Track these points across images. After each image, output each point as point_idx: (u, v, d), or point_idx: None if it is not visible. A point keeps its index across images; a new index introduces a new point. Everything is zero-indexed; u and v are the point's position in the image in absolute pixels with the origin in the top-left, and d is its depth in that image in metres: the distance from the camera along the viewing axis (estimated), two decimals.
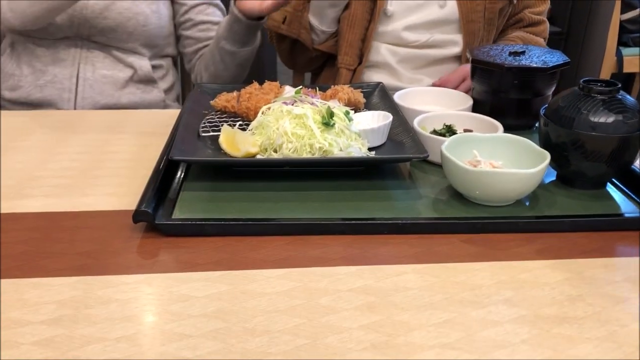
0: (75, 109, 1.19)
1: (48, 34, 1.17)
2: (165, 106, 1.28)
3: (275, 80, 0.98)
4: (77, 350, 0.51)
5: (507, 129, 0.87)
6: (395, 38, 1.24)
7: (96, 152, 0.90)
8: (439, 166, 0.83)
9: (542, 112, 0.81)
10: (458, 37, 1.25)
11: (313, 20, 1.23)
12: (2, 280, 0.60)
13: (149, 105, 1.24)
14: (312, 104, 0.80)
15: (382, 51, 1.26)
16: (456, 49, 1.27)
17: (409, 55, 1.26)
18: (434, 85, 1.19)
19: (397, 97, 0.99)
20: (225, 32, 1.16)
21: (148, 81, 1.24)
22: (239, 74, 1.23)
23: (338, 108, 0.81)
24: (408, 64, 1.28)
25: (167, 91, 1.30)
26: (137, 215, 0.68)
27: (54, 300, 0.57)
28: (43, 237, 0.67)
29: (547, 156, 0.74)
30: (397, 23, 1.22)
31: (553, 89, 0.98)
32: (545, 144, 0.79)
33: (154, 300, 0.58)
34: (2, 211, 0.73)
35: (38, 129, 0.99)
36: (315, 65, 1.37)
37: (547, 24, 1.36)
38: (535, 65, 0.93)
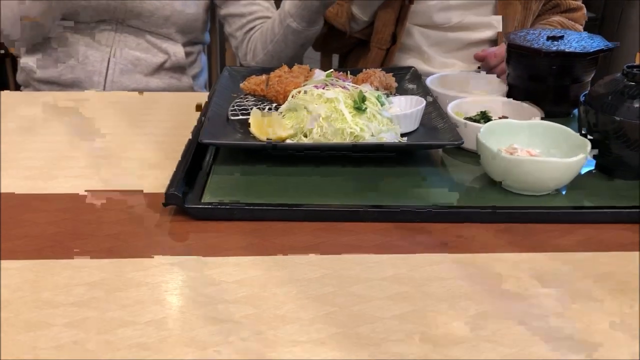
0: (104, 91, 1.19)
1: (84, 17, 1.17)
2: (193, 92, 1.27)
3: (300, 64, 0.96)
4: (108, 333, 0.50)
5: (544, 115, 0.84)
6: (428, 19, 1.21)
7: (125, 134, 0.90)
8: (472, 153, 0.81)
9: (582, 99, 0.78)
10: (493, 20, 1.22)
11: (356, 10, 1.21)
12: (35, 261, 0.59)
13: (176, 91, 1.24)
14: (344, 87, 0.79)
15: (414, 34, 1.23)
16: (490, 33, 1.23)
17: (441, 38, 1.23)
18: (477, 55, 1.16)
19: (430, 82, 0.96)
20: (294, 8, 1.11)
21: (179, 68, 1.24)
22: (298, 54, 1.19)
23: (370, 92, 0.79)
24: (440, 47, 1.25)
25: (195, 78, 1.30)
26: (167, 199, 0.67)
27: (84, 282, 0.57)
28: (73, 218, 0.67)
29: (588, 145, 0.72)
30: (432, 2, 1.19)
31: (592, 75, 0.94)
32: (585, 131, 0.76)
33: (184, 284, 0.57)
34: (32, 191, 0.73)
35: (68, 109, 0.99)
36: (346, 49, 1.35)
37: (585, 10, 1.32)
38: (574, 51, 0.90)
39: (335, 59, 1.46)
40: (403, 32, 1.22)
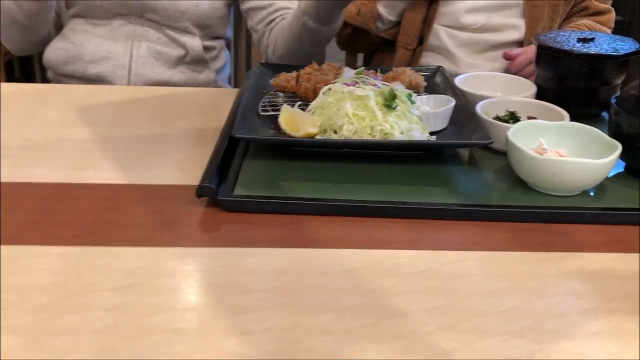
0: (128, 85, 1.21)
1: (103, 12, 1.20)
2: (216, 87, 1.29)
3: (322, 60, 0.97)
4: (146, 317, 0.52)
5: (572, 117, 0.84)
6: (455, 21, 1.21)
7: (156, 127, 0.92)
8: (500, 153, 0.82)
9: (613, 101, 0.78)
10: (519, 22, 1.22)
11: (382, 10, 1.22)
12: (75, 247, 0.61)
13: (199, 85, 1.25)
14: (374, 85, 0.80)
15: (441, 35, 1.24)
16: (517, 34, 1.23)
17: (468, 39, 1.24)
18: (506, 54, 1.16)
19: (458, 82, 0.97)
20: (310, 8, 1.09)
21: (199, 61, 1.25)
22: (316, 52, 1.19)
23: (400, 90, 0.80)
24: (466, 48, 1.25)
25: (218, 72, 1.31)
26: (201, 190, 0.69)
27: (123, 269, 0.58)
28: (111, 207, 0.69)
29: (618, 147, 0.72)
30: (460, 4, 1.20)
31: (622, 78, 0.94)
32: (615, 134, 0.77)
33: (218, 273, 0.58)
34: (69, 181, 0.75)
35: (98, 103, 1.01)
36: (371, 48, 1.36)
37: (614, 14, 1.31)
38: (606, 53, 0.90)
39: (360, 58, 1.47)
40: (430, 32, 1.22)
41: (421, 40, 1.24)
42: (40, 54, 1.28)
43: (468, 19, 1.21)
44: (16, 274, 0.57)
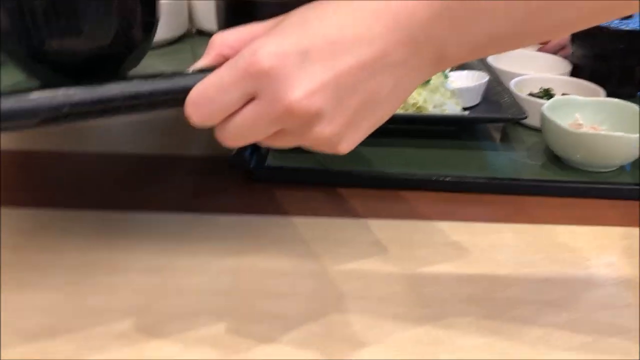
0: None
1: None
2: None
3: None
4: (186, 279, 0.53)
5: (608, 96, 0.82)
6: None
7: None
8: (533, 130, 0.81)
9: None
10: None
11: None
12: (109, 212, 0.63)
13: None
14: None
15: None
16: None
17: None
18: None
19: (491, 59, 0.96)
20: None
21: None
22: None
23: None
24: None
25: None
26: (233, 160, 0.69)
27: (159, 232, 0.59)
28: (145, 175, 0.70)
29: None
30: None
31: None
32: None
33: (254, 239, 0.59)
34: (104, 150, 0.76)
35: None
36: None
37: None
38: None
39: None
40: None
41: None
42: None
43: None
44: (54, 236, 0.58)
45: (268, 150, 0.74)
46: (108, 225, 0.60)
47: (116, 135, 0.80)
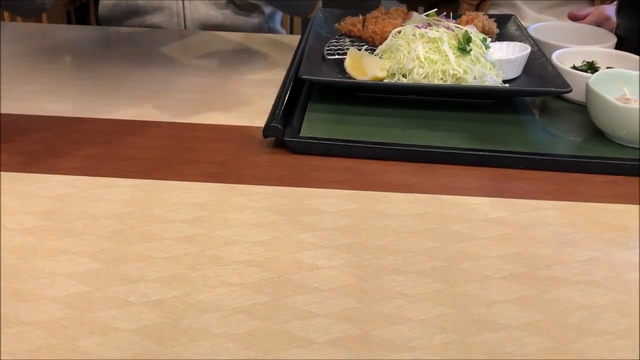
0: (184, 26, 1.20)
1: None
2: (269, 29, 1.26)
3: None
4: (216, 249, 0.52)
5: None
6: None
7: (220, 71, 0.91)
8: (576, 104, 0.78)
9: None
10: None
11: None
12: (143, 180, 0.62)
13: (252, 28, 1.23)
14: (448, 28, 0.76)
15: None
16: None
17: None
18: (570, 14, 1.09)
19: (532, 31, 0.92)
20: None
21: (249, 5, 1.22)
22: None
23: (475, 34, 0.76)
24: (534, 3, 1.19)
25: (270, 16, 1.28)
26: (268, 130, 0.68)
27: (191, 202, 0.59)
28: (178, 145, 0.69)
29: None
30: None
31: None
32: None
33: (286, 211, 0.58)
34: (137, 117, 0.75)
35: (163, 45, 1.01)
36: (429, 3, 1.31)
37: None
38: None
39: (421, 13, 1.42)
40: None
41: None
42: (96, 9, 1.28)
43: None
44: (88, 203, 0.58)
45: (302, 121, 0.73)
46: (141, 193, 0.60)
47: (152, 102, 0.79)
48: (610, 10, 1.01)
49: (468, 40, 0.73)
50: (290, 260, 0.51)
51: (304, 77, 0.75)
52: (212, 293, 0.47)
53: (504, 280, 0.50)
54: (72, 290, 0.47)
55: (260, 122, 0.70)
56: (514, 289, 0.49)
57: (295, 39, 1.00)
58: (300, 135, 0.70)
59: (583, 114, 0.74)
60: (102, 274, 0.49)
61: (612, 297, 0.48)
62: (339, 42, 0.89)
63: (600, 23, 1.04)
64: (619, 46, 0.90)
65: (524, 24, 1.17)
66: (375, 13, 0.91)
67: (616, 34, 0.92)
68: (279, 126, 0.68)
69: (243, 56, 0.97)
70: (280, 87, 0.78)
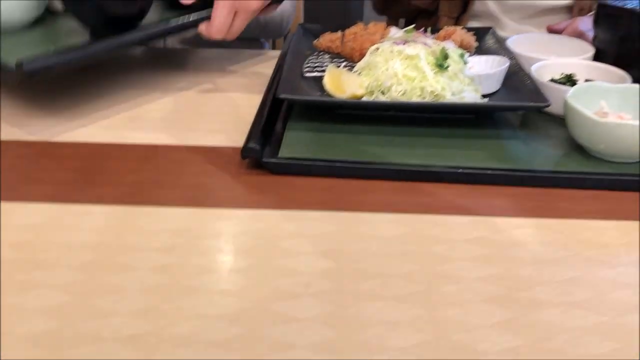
0: (164, 46, 1.19)
1: None
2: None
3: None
4: (192, 279, 0.51)
5: (633, 81, 0.79)
6: None
7: (198, 89, 0.90)
8: (555, 118, 0.78)
9: None
10: None
11: None
12: (118, 207, 0.61)
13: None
14: (425, 44, 0.76)
15: (487, 1, 1.18)
16: (567, 0, 1.17)
17: (516, 5, 1.17)
18: (549, 28, 1.10)
19: (510, 43, 0.92)
20: None
21: None
22: None
23: (452, 50, 0.76)
24: (514, 14, 1.19)
25: None
26: (246, 151, 0.67)
27: (167, 229, 0.57)
28: (153, 168, 0.68)
29: None
30: None
31: None
32: None
33: (264, 235, 0.57)
34: (111, 141, 0.74)
35: (140, 64, 1.00)
36: (409, 16, 1.31)
37: None
38: None
39: (401, 25, 1.42)
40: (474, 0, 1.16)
41: (465, 7, 1.18)
42: None
43: None
44: (61, 232, 0.57)
45: (281, 140, 0.72)
46: (115, 220, 0.59)
47: (127, 123, 0.78)
48: (584, 24, 1.01)
49: (445, 56, 0.73)
50: (268, 288, 0.50)
51: (283, 96, 0.74)
52: (187, 326, 0.46)
53: (485, 304, 0.49)
54: (42, 326, 0.46)
55: (239, 142, 0.69)
56: (495, 312, 0.48)
57: (277, 55, 0.99)
58: (279, 155, 0.69)
59: (562, 127, 0.73)
60: (73, 308, 0.48)
61: (594, 319, 0.48)
62: (318, 59, 0.89)
63: (579, 32, 1.05)
64: (597, 58, 0.90)
65: (504, 34, 1.18)
66: (353, 29, 0.90)
67: (594, 46, 0.92)
68: (257, 147, 0.67)
69: (222, 73, 0.96)
70: (259, 107, 0.77)
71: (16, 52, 0.73)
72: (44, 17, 0.89)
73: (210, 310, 0.48)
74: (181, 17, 0.84)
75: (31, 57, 0.70)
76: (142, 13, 0.83)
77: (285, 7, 1.34)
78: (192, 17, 0.84)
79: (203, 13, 0.84)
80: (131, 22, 0.82)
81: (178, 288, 0.50)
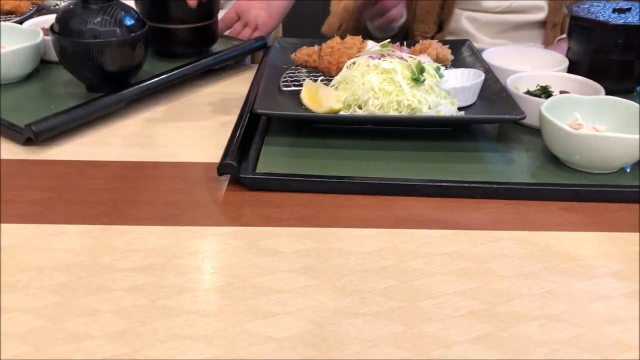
0: None
1: None
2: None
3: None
4: (168, 299, 0.50)
5: (605, 92, 0.80)
6: (477, 4, 1.16)
7: (175, 104, 0.89)
8: (531, 129, 0.79)
9: None
10: (543, 3, 1.17)
11: (370, 26, 1.15)
12: (93, 226, 0.60)
13: None
14: (401, 58, 0.76)
15: (461, 19, 1.19)
16: (540, 15, 1.18)
17: (489, 21, 1.19)
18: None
19: (486, 55, 0.93)
20: None
21: None
22: None
23: (428, 63, 0.76)
24: (488, 29, 1.20)
25: None
26: (222, 168, 0.66)
27: (143, 248, 0.56)
28: (129, 185, 0.67)
29: None
30: None
31: None
32: None
33: (241, 253, 0.56)
34: (86, 158, 0.73)
35: None
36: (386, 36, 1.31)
37: None
38: None
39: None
40: (450, 18, 1.17)
41: (440, 26, 1.19)
42: None
43: (491, 3, 1.16)
44: (34, 254, 0.56)
45: (258, 156, 0.71)
46: (90, 240, 0.58)
47: (102, 140, 0.77)
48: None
49: (421, 70, 0.73)
50: (245, 307, 0.50)
51: (259, 111, 0.73)
52: (163, 348, 0.45)
53: (464, 319, 0.49)
54: (14, 351, 0.45)
55: (217, 157, 0.68)
56: (474, 327, 0.48)
57: (255, 69, 0.99)
58: (257, 171, 0.68)
59: (538, 138, 0.74)
60: (46, 332, 0.47)
61: (572, 331, 0.48)
62: (295, 73, 0.89)
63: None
64: (571, 69, 0.91)
65: (480, 46, 1.19)
66: (330, 43, 0.90)
67: (568, 57, 0.94)
68: (233, 163, 0.66)
69: (200, 86, 0.95)
70: (236, 122, 0.77)
71: (19, 108, 0.80)
72: (38, 68, 0.91)
73: (186, 331, 0.47)
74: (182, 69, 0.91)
75: (40, 119, 0.74)
76: (139, 67, 0.87)
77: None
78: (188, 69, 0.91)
79: (197, 66, 0.93)
80: (127, 76, 0.86)
81: (154, 309, 0.49)
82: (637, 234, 0.60)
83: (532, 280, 0.53)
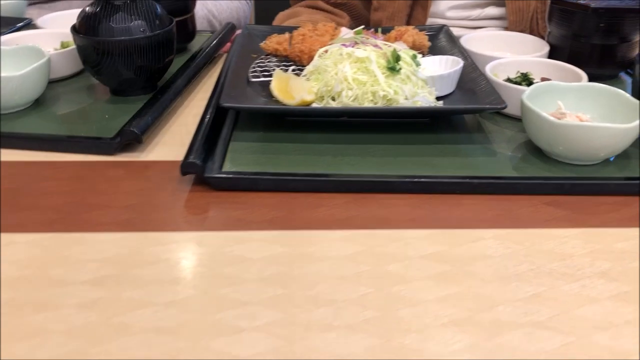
0: None
1: None
2: None
3: None
4: (123, 315, 0.46)
5: (588, 77, 0.77)
6: (441, 17, 1.13)
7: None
8: (512, 119, 0.75)
9: (639, 59, 0.71)
10: (504, 14, 1.13)
11: None
12: (44, 234, 0.55)
13: None
14: (376, 46, 0.72)
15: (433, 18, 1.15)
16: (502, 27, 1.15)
17: (457, 32, 1.16)
18: None
19: (464, 42, 0.89)
20: None
21: None
22: None
23: (404, 51, 0.72)
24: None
25: None
26: (186, 167, 0.62)
27: (97, 259, 0.52)
28: (86, 187, 0.62)
29: None
30: (442, 3, 1.10)
31: None
32: None
33: (205, 262, 0.52)
34: (42, 159, 0.68)
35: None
36: None
37: None
38: (625, 6, 0.82)
39: None
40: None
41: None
42: None
43: (456, 15, 1.12)
44: None
45: (225, 153, 0.67)
46: (39, 251, 0.53)
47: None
48: None
49: (397, 58, 0.69)
50: (209, 323, 0.45)
51: (226, 105, 0.69)
52: None
53: (444, 328, 0.45)
54: None
55: (180, 156, 0.64)
56: (455, 337, 0.45)
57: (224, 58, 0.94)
58: (223, 170, 0.64)
59: (520, 128, 0.71)
60: None
61: (560, 339, 0.44)
62: (264, 63, 0.84)
63: None
64: (551, 54, 0.88)
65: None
66: (302, 30, 0.86)
67: (548, 42, 0.90)
68: (198, 162, 0.62)
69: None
70: (201, 116, 0.72)
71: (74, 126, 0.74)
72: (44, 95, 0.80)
73: (143, 351, 0.43)
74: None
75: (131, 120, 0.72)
76: (170, 63, 0.83)
77: (240, 7, 1.29)
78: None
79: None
80: (161, 73, 0.82)
81: (108, 326, 0.45)
82: (624, 229, 0.57)
83: (517, 283, 0.50)
